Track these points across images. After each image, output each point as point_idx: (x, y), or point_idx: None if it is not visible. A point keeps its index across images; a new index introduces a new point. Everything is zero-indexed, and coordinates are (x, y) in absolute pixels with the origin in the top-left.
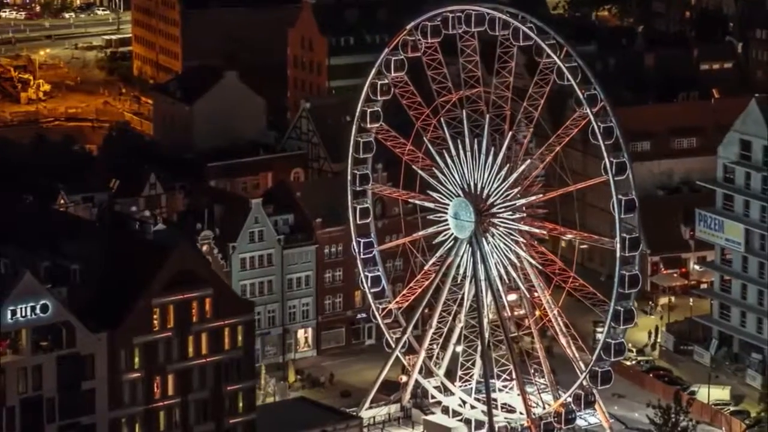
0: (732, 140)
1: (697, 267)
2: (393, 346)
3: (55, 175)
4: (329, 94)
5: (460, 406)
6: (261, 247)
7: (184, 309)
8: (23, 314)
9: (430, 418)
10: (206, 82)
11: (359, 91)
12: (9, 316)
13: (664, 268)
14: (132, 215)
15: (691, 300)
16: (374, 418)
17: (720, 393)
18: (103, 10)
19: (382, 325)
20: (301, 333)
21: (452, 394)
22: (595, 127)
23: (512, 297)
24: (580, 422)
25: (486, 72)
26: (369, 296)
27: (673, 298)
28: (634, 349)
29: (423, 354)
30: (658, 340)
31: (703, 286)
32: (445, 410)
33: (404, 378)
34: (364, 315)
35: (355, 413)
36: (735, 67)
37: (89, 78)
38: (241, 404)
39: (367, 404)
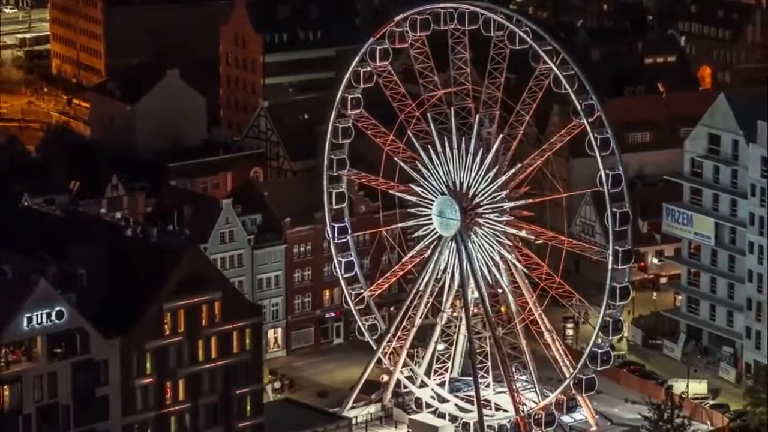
0: (700, 134)
1: (655, 261)
2: (365, 334)
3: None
4: (288, 91)
5: (432, 398)
6: (232, 247)
7: (194, 313)
8: (39, 321)
9: (416, 417)
10: (145, 81)
11: (341, 77)
12: (25, 323)
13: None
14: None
15: (654, 294)
16: (357, 417)
17: (698, 387)
18: (11, 9)
19: (354, 311)
20: (270, 333)
21: (426, 385)
22: (592, 139)
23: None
24: (565, 419)
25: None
26: (342, 282)
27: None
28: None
29: (404, 354)
30: (626, 334)
31: (663, 280)
32: (418, 403)
33: (385, 377)
34: (332, 314)
35: (337, 413)
36: (678, 60)
37: (7, 78)
38: (249, 407)
39: (349, 404)
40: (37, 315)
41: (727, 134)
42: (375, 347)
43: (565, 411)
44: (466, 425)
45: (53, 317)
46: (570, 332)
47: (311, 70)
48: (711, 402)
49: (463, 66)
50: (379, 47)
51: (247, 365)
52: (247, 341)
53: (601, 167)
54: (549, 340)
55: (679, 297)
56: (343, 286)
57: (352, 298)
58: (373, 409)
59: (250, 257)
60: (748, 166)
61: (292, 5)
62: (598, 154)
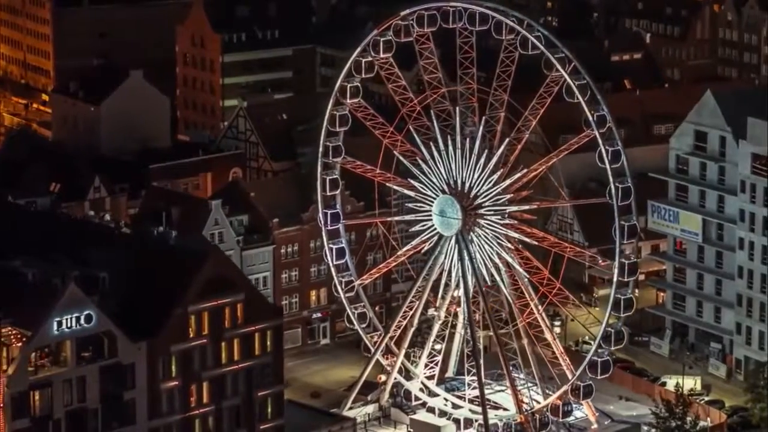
0: (686, 131)
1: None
2: (354, 322)
3: None
4: (266, 92)
5: (421, 391)
6: (222, 248)
7: (218, 315)
8: (68, 325)
9: (417, 417)
10: (108, 81)
11: (341, 66)
12: (55, 327)
13: (602, 259)
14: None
15: (636, 291)
16: (356, 418)
17: (691, 383)
18: None
19: (343, 299)
20: None
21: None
22: (603, 151)
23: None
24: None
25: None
26: (332, 269)
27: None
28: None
29: (402, 353)
30: None
31: (641, 276)
32: (408, 395)
33: (382, 377)
34: (319, 315)
35: (338, 414)
36: (644, 57)
37: None
38: (270, 409)
39: (348, 404)
40: (66, 319)
41: (714, 131)
42: (364, 336)
43: (560, 416)
44: (456, 421)
45: (82, 321)
46: (558, 330)
47: (270, 69)
48: (706, 398)
49: (469, 65)
50: (382, 39)
51: (269, 367)
52: (269, 343)
53: (611, 180)
54: (551, 341)
55: (663, 294)
56: (333, 273)
57: (342, 285)
58: (370, 409)
59: (239, 258)
60: (737, 163)
61: (250, 5)
62: (608, 166)
